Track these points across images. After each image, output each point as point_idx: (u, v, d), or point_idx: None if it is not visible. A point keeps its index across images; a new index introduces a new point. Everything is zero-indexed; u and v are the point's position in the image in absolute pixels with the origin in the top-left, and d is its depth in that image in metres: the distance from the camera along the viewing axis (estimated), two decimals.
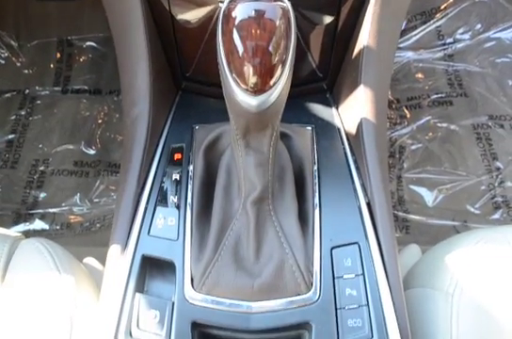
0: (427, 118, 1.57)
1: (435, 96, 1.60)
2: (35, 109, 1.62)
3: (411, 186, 1.47)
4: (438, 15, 1.71)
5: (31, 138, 1.57)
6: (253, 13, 0.47)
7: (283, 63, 0.49)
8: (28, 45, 1.70)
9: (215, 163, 0.67)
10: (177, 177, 0.68)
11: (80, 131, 1.57)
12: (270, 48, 0.47)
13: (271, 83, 0.48)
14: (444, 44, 1.68)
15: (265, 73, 0.48)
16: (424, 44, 1.68)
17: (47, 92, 1.65)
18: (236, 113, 0.53)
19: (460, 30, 1.70)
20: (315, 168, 0.68)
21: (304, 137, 0.71)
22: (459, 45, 1.68)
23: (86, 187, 1.48)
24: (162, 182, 0.68)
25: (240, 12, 0.47)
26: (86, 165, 1.52)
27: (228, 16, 0.48)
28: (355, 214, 0.65)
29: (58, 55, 1.70)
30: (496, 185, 1.47)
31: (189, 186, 0.66)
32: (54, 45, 1.71)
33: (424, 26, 1.70)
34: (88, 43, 1.70)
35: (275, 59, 0.48)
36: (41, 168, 1.52)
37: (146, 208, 0.65)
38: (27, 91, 1.65)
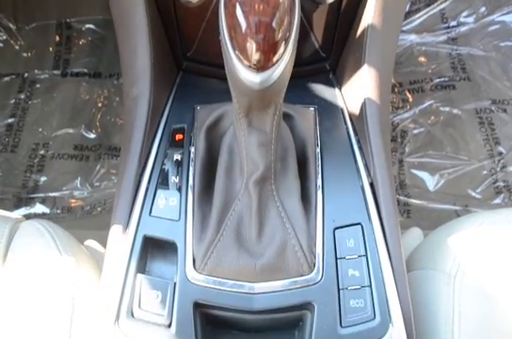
0: (430, 102, 1.56)
1: (438, 80, 1.59)
2: (34, 93, 1.61)
3: (413, 171, 1.47)
4: None
5: (31, 122, 1.56)
6: None
7: (287, 40, 0.47)
8: (27, 28, 1.68)
9: (216, 143, 0.66)
10: (178, 158, 0.67)
11: (80, 115, 1.56)
12: (274, 24, 0.46)
13: (274, 60, 0.47)
14: (448, 27, 1.67)
15: (269, 50, 0.47)
16: (428, 27, 1.67)
17: (46, 76, 1.63)
18: (239, 91, 0.53)
19: (464, 13, 1.68)
20: (318, 148, 0.68)
21: (307, 117, 0.70)
22: (463, 28, 1.66)
23: (86, 171, 1.48)
24: (163, 162, 0.67)
25: None
26: (86, 149, 1.51)
27: None
28: (358, 194, 0.64)
29: (57, 37, 1.68)
30: (498, 169, 1.46)
31: (191, 167, 0.66)
32: (52, 28, 1.69)
33: (427, 9, 1.68)
34: (88, 26, 1.68)
35: (278, 35, 0.47)
36: (42, 152, 1.51)
37: (147, 188, 0.64)
38: (26, 75, 1.63)
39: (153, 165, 0.67)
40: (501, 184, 1.45)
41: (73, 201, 1.44)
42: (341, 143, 0.69)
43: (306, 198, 0.63)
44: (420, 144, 1.50)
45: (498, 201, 1.43)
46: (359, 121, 0.70)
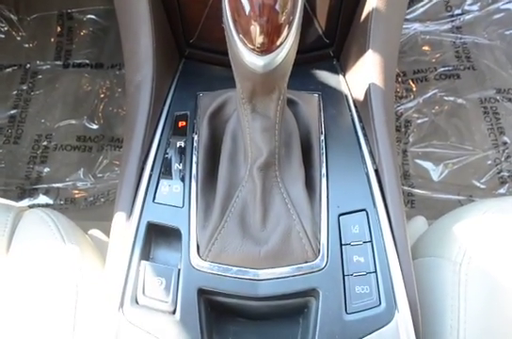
0: (434, 91, 1.55)
1: (442, 69, 1.58)
2: (36, 84, 1.60)
3: (417, 161, 1.46)
4: None
5: (33, 114, 1.56)
6: None
7: (291, 22, 0.47)
8: (28, 19, 1.68)
9: (220, 130, 0.66)
10: (182, 144, 0.67)
11: (82, 106, 1.56)
12: (277, 6, 0.45)
13: (278, 42, 0.47)
14: (452, 16, 1.65)
15: (272, 33, 0.46)
16: (432, 16, 1.65)
17: (48, 67, 1.63)
18: (242, 75, 0.52)
19: (469, 1, 1.66)
20: (322, 134, 0.67)
21: (311, 103, 0.70)
22: (467, 17, 1.65)
23: (89, 162, 1.48)
24: (166, 149, 0.67)
25: None
26: (89, 140, 1.51)
27: None
28: (363, 181, 0.64)
29: (59, 28, 1.67)
30: (502, 159, 1.46)
31: (194, 154, 0.65)
32: (54, 19, 1.68)
33: None
34: (89, 16, 1.67)
35: (282, 18, 0.46)
36: (44, 143, 1.51)
37: (150, 175, 0.64)
38: (28, 66, 1.63)
39: (156, 152, 0.66)
40: (505, 174, 1.44)
41: (77, 192, 1.44)
42: (345, 130, 0.69)
43: (310, 185, 0.63)
44: (424, 134, 1.49)
45: (502, 190, 1.42)
46: (363, 107, 0.69)
